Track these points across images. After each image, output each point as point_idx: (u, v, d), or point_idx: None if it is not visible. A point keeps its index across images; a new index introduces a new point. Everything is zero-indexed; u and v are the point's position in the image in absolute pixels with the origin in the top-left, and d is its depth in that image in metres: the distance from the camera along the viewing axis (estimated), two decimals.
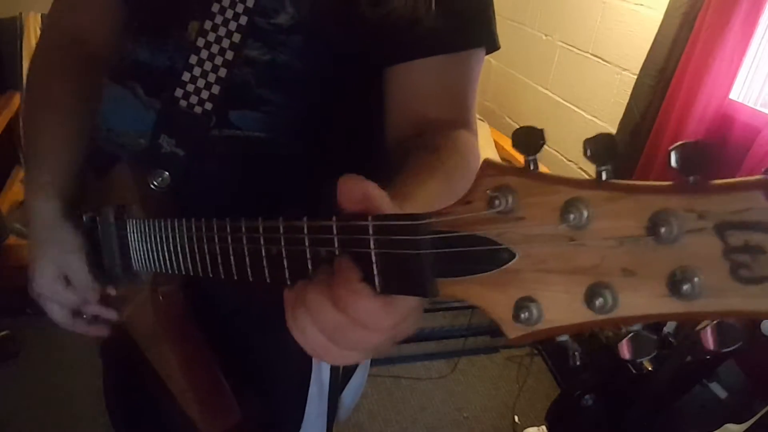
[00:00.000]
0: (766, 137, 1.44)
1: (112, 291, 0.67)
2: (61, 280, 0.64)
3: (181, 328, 0.62)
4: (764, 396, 1.40)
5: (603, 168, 0.25)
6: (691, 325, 1.42)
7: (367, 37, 0.56)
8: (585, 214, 0.25)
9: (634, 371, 1.54)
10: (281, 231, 0.39)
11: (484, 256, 0.29)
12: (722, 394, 1.58)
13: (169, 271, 0.55)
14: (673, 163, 0.23)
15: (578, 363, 0.30)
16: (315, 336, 0.35)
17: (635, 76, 1.83)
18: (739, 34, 1.48)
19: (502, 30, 0.62)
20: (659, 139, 1.69)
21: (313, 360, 0.73)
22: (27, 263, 0.66)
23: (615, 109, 1.94)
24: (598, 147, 0.25)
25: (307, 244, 0.37)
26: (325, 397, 0.77)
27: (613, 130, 1.92)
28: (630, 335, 0.26)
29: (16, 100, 2.15)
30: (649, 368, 1.52)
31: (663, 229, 0.23)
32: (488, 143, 2.44)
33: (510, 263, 0.28)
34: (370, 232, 0.33)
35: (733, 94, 1.59)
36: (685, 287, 0.23)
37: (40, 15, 2.16)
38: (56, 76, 0.68)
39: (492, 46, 0.62)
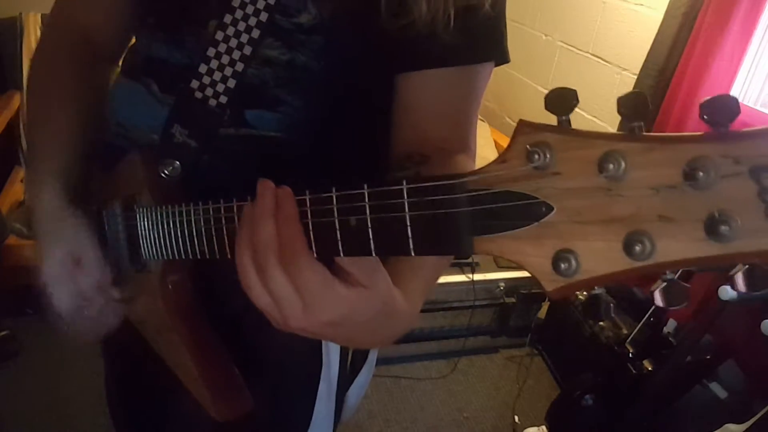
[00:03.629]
0: None
1: (116, 290, 0.67)
2: (70, 263, 0.62)
3: (192, 316, 0.63)
4: (764, 396, 1.40)
5: (636, 124, 0.27)
6: (691, 326, 1.42)
7: (383, 42, 0.57)
8: (622, 165, 0.26)
9: (634, 371, 1.54)
10: (308, 204, 0.40)
11: (520, 212, 0.30)
12: (722, 394, 1.58)
13: (185, 257, 0.55)
14: (703, 115, 0.24)
15: (612, 315, 0.32)
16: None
17: (635, 76, 1.83)
18: (739, 34, 1.48)
19: None
20: None
21: (323, 358, 0.73)
22: (27, 263, 0.65)
23: (615, 109, 1.94)
24: (631, 104, 0.27)
25: (336, 214, 0.38)
26: (333, 395, 0.77)
27: (613, 130, 1.92)
28: (663, 284, 0.27)
29: (16, 100, 2.15)
30: (649, 368, 1.52)
31: (701, 175, 0.24)
32: (488, 143, 2.44)
33: (547, 217, 0.29)
34: (405, 195, 0.34)
35: (733, 94, 1.59)
36: (723, 228, 0.24)
37: (40, 15, 2.16)
38: (63, 66, 0.68)
39: (502, 60, 0.63)
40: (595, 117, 2.07)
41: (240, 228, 0.41)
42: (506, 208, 0.30)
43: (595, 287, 0.30)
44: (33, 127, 0.68)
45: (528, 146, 0.29)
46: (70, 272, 0.62)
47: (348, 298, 0.38)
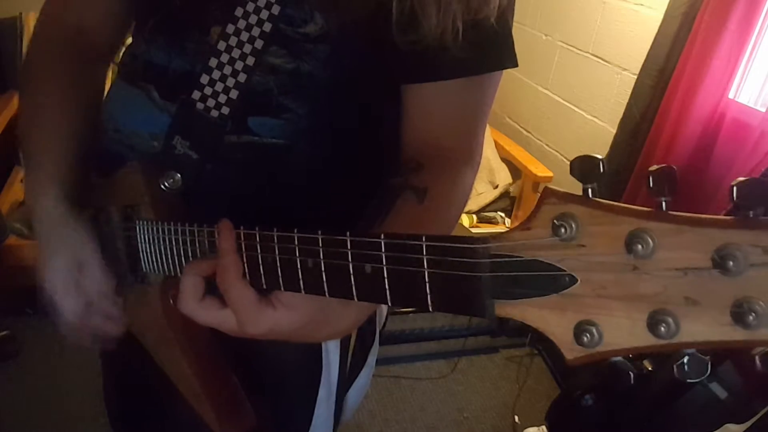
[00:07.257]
0: (765, 136, 1.44)
1: (119, 297, 0.66)
2: (74, 275, 0.61)
3: (194, 330, 0.61)
4: (764, 396, 1.40)
5: (664, 199, 0.27)
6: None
7: (391, 54, 0.56)
8: (651, 245, 0.26)
9: (634, 371, 1.54)
10: (320, 244, 0.39)
11: (544, 281, 0.30)
12: (722, 394, 1.58)
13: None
14: (734, 198, 0.24)
15: (632, 382, 0.31)
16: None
17: (635, 76, 1.83)
18: (737, 34, 1.48)
19: None
20: (657, 139, 1.69)
21: (323, 362, 0.73)
22: (27, 263, 0.64)
23: (615, 109, 1.94)
24: (661, 179, 0.27)
25: (350, 258, 0.38)
26: (332, 399, 0.77)
27: (613, 130, 1.91)
28: (684, 359, 0.27)
29: (16, 100, 2.15)
30: (649, 368, 1.52)
31: (730, 263, 0.24)
32: (488, 143, 2.44)
33: (570, 288, 0.29)
34: (424, 252, 0.34)
35: (732, 94, 1.59)
36: (750, 317, 0.24)
37: None
38: (57, 66, 0.66)
39: (508, 66, 0.63)
40: (594, 117, 2.06)
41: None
42: (529, 277, 0.30)
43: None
44: (27, 129, 0.67)
45: (554, 220, 0.29)
46: (74, 278, 0.61)
47: (271, 316, 0.46)
